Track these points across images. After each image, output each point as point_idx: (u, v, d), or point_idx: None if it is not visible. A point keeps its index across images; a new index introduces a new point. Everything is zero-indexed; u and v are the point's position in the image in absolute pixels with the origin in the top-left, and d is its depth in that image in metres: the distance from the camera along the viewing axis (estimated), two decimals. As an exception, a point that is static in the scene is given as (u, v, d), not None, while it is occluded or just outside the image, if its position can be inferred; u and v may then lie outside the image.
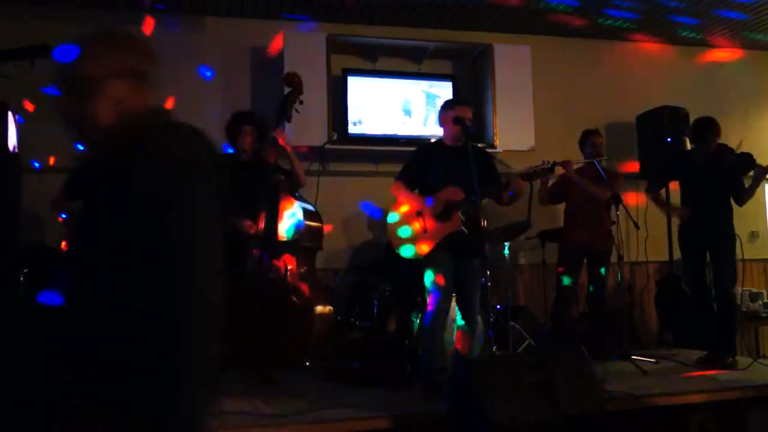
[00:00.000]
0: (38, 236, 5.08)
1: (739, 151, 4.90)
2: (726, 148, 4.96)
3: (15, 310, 3.23)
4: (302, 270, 4.45)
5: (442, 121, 4.29)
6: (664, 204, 5.40)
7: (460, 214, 3.98)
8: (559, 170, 4.88)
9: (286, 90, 4.73)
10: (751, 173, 4.84)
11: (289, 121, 4.68)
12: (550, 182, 5.16)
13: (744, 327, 6.38)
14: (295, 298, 4.31)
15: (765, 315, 6.53)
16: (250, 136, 4.70)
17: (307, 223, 4.46)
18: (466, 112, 4.19)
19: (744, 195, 4.89)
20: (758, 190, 5.02)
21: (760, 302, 6.56)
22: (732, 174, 4.91)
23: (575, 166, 5.24)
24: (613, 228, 5.34)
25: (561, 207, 5.63)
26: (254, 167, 4.68)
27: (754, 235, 6.90)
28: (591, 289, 5.43)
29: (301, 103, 4.70)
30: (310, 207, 4.58)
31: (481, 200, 3.80)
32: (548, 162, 4.19)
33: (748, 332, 6.55)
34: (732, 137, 5.13)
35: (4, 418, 3.04)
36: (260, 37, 6.08)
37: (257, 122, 4.77)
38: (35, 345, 3.14)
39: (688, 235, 5.05)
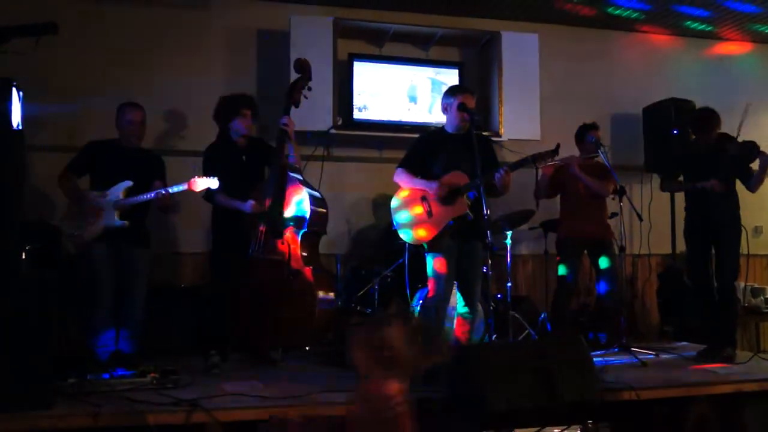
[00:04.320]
0: (41, 214, 5.08)
1: (741, 140, 4.81)
2: (727, 137, 4.92)
3: (19, 284, 3.23)
4: (306, 254, 4.45)
5: (445, 108, 4.25)
6: (681, 186, 5.30)
7: (465, 197, 3.96)
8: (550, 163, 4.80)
9: (295, 76, 4.72)
10: (757, 161, 4.77)
11: (297, 106, 4.68)
12: (551, 168, 5.15)
13: (745, 322, 6.38)
14: (297, 282, 4.30)
15: (766, 310, 6.51)
16: (250, 119, 4.73)
17: (313, 208, 4.45)
18: (470, 100, 4.15)
19: (753, 181, 4.83)
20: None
21: (761, 297, 6.55)
22: (735, 164, 4.86)
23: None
24: (617, 220, 5.32)
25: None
26: (253, 150, 4.71)
27: (757, 230, 6.87)
28: (598, 282, 5.40)
29: (310, 89, 4.70)
30: (316, 193, 4.58)
31: (484, 185, 3.77)
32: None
33: (749, 327, 6.55)
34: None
35: (6, 387, 3.05)
36: (266, 19, 6.05)
37: (255, 105, 4.80)
38: (38, 319, 3.15)
39: (693, 227, 5.03)
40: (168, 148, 5.57)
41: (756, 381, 4.02)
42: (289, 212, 4.46)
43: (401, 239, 4.28)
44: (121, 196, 4.41)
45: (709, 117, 4.95)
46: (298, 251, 4.40)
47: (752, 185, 4.86)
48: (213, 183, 4.36)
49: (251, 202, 4.44)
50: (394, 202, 4.28)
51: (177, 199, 4.72)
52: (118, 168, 4.48)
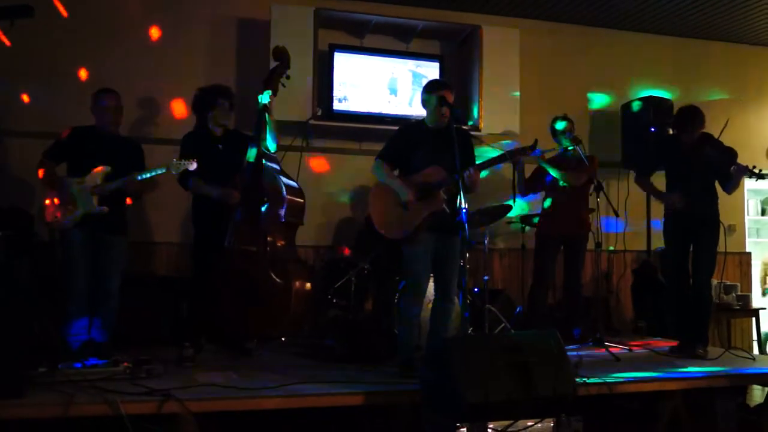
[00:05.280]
0: (15, 200, 5.01)
1: (721, 135, 4.84)
2: (710, 140, 4.95)
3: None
4: (282, 244, 4.43)
5: (424, 103, 4.23)
6: (653, 190, 5.33)
7: (442, 192, 3.95)
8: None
9: (274, 64, 4.69)
10: (732, 169, 4.82)
11: (275, 95, 4.65)
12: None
13: (717, 318, 6.47)
14: (273, 273, 4.28)
15: (737, 307, 6.62)
16: (228, 109, 4.72)
17: (290, 198, 4.43)
18: (449, 95, 4.13)
19: (730, 185, 4.88)
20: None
21: (733, 294, 6.65)
22: (715, 166, 4.90)
23: (549, 154, 5.28)
24: (593, 216, 5.36)
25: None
26: (230, 140, 4.69)
27: (731, 228, 6.96)
28: (567, 276, 5.45)
29: (288, 77, 4.68)
30: (292, 183, 4.56)
31: (462, 180, 3.76)
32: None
33: (721, 323, 6.64)
34: (715, 128, 5.14)
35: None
36: (247, 8, 6.00)
37: (232, 95, 4.77)
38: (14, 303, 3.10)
39: (674, 223, 5.04)
40: (143, 136, 5.50)
41: (726, 377, 4.08)
42: (264, 201, 4.44)
43: (379, 231, 4.26)
44: (98, 182, 4.35)
45: (694, 115, 4.94)
46: (274, 241, 4.38)
47: (728, 188, 4.90)
48: (191, 165, 4.30)
49: (227, 190, 4.42)
50: (372, 195, 4.26)
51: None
52: (96, 154, 4.42)
